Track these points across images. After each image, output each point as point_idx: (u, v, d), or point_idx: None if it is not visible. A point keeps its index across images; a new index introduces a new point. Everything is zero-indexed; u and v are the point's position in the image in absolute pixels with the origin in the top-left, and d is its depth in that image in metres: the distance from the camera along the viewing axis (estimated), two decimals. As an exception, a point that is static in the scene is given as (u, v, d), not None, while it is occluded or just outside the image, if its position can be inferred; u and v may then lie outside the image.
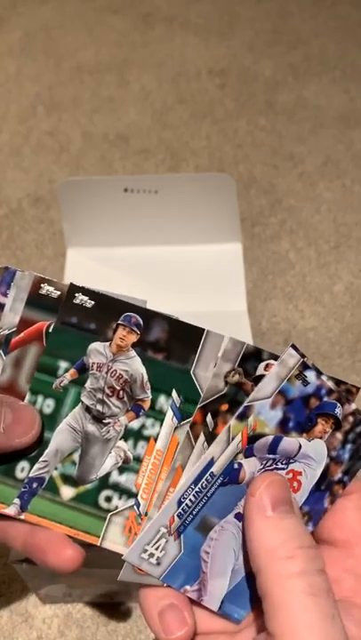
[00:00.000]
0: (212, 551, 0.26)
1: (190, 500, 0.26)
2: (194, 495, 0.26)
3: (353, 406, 0.27)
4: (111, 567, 0.38)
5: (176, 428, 0.28)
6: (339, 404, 0.27)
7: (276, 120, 0.83)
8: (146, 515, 0.27)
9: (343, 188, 0.75)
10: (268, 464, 0.27)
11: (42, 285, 0.28)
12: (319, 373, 0.27)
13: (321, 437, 0.27)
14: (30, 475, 0.27)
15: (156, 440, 0.28)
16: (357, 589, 0.25)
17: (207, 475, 0.26)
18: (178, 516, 0.26)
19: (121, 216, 0.51)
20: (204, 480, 0.26)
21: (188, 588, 0.26)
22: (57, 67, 0.91)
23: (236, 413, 0.27)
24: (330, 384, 0.27)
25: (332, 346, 0.61)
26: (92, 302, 0.27)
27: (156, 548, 0.26)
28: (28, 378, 0.28)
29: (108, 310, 0.27)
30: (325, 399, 0.27)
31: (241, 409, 0.27)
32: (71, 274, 0.52)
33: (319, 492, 0.27)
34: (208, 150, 0.79)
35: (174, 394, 0.28)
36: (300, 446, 0.27)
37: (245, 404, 0.27)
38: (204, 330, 0.27)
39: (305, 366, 0.27)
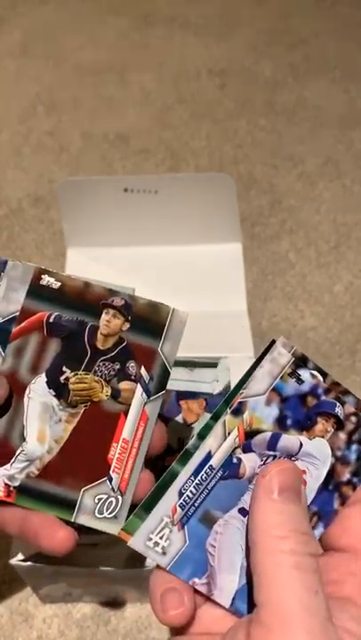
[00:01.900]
0: (218, 545, 0.26)
1: (191, 491, 0.27)
2: (194, 487, 0.27)
3: (352, 408, 0.28)
4: (111, 567, 0.39)
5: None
6: (338, 404, 0.27)
7: (276, 120, 0.83)
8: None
9: (343, 188, 0.75)
10: (269, 460, 0.27)
11: (42, 276, 0.29)
12: (313, 373, 0.27)
13: (323, 436, 0.27)
14: None
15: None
16: (359, 590, 0.25)
17: (206, 467, 0.27)
18: (180, 506, 0.26)
19: (121, 216, 0.51)
20: (203, 472, 0.27)
21: (196, 580, 0.26)
22: (57, 67, 0.91)
23: (231, 408, 0.27)
24: (326, 383, 0.27)
25: (332, 346, 0.61)
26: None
27: (161, 537, 0.26)
28: (29, 367, 0.28)
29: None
30: (323, 398, 0.27)
31: (235, 404, 0.27)
32: (71, 274, 0.52)
33: (327, 492, 0.27)
34: (208, 150, 0.79)
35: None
36: (301, 444, 0.27)
37: (239, 399, 0.27)
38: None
39: (297, 365, 0.27)
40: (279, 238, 0.70)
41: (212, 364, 0.43)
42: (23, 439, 0.28)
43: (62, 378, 0.28)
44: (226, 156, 0.78)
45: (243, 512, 0.27)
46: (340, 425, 0.27)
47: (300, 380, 0.27)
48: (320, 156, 0.78)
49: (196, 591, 0.26)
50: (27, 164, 0.77)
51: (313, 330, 0.62)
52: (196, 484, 0.27)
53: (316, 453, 0.27)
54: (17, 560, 0.37)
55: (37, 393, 0.28)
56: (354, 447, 0.27)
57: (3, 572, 0.47)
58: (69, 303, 0.29)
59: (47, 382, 0.28)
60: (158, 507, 0.26)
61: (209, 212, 0.51)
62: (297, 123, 0.83)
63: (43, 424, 0.28)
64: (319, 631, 0.22)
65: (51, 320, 0.28)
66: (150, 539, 0.26)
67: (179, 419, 0.41)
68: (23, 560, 0.37)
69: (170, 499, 0.26)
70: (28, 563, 0.37)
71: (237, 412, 0.27)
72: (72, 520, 0.28)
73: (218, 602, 0.26)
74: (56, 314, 0.29)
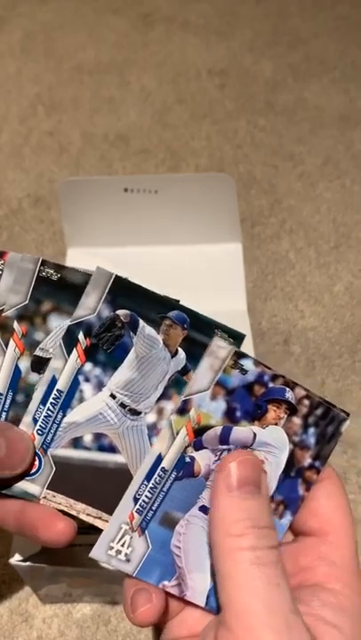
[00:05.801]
0: (182, 545, 0.26)
1: (146, 495, 0.26)
2: (149, 491, 0.26)
3: (303, 391, 0.27)
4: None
5: None
6: (288, 389, 0.27)
7: (276, 120, 0.83)
8: None
9: (343, 188, 0.75)
10: (223, 455, 0.26)
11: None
12: (257, 361, 0.27)
13: (276, 424, 0.27)
14: None
15: None
16: (330, 575, 0.25)
17: (158, 470, 0.26)
18: (137, 512, 0.26)
19: (121, 216, 0.51)
20: (156, 475, 0.26)
21: (166, 583, 0.26)
22: (57, 67, 0.91)
23: (176, 408, 0.27)
24: (272, 371, 0.27)
25: (332, 346, 0.61)
26: None
27: (122, 545, 0.26)
28: None
29: None
30: (271, 385, 0.27)
31: (180, 404, 0.27)
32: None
33: (290, 479, 0.27)
34: (208, 150, 0.79)
35: None
36: (254, 434, 0.27)
37: (183, 398, 0.26)
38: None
39: (239, 355, 0.27)
40: (279, 238, 0.70)
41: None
42: None
43: None
44: (226, 155, 0.78)
45: (203, 509, 0.26)
46: (293, 410, 0.27)
47: (243, 371, 0.27)
48: (320, 156, 0.78)
49: (169, 595, 0.26)
50: (27, 164, 0.77)
51: (313, 330, 0.62)
52: (151, 487, 0.26)
53: (272, 441, 0.27)
54: (17, 560, 0.37)
55: None
56: (311, 430, 0.27)
57: (3, 572, 0.47)
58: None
59: None
60: (115, 515, 0.26)
61: (209, 212, 0.50)
62: (297, 123, 0.83)
63: None
64: (284, 627, 0.22)
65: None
66: (111, 547, 0.26)
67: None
68: (23, 560, 0.37)
69: (125, 506, 0.26)
70: (28, 563, 0.37)
71: (183, 411, 0.27)
72: None
73: (192, 602, 0.26)
74: None
